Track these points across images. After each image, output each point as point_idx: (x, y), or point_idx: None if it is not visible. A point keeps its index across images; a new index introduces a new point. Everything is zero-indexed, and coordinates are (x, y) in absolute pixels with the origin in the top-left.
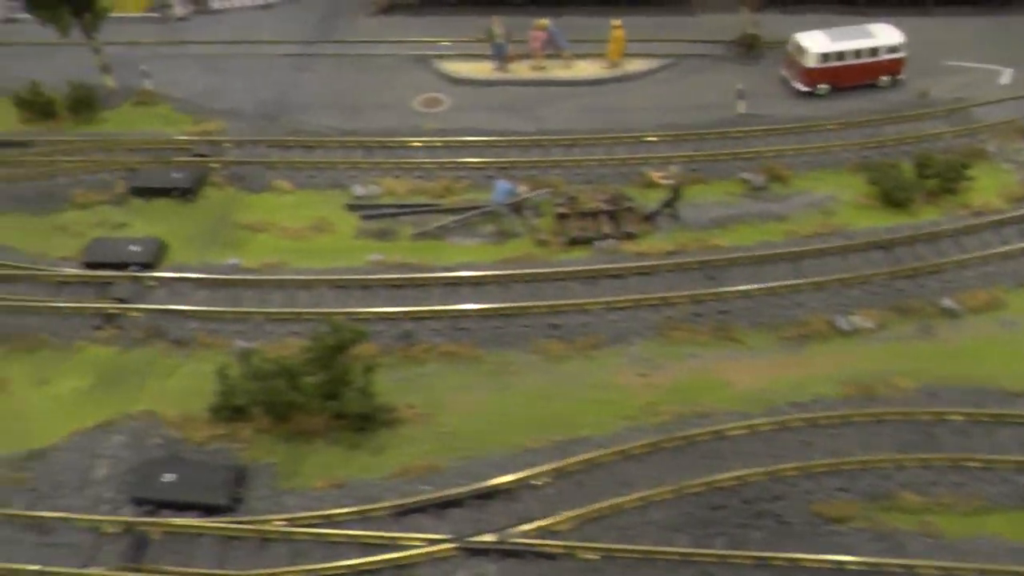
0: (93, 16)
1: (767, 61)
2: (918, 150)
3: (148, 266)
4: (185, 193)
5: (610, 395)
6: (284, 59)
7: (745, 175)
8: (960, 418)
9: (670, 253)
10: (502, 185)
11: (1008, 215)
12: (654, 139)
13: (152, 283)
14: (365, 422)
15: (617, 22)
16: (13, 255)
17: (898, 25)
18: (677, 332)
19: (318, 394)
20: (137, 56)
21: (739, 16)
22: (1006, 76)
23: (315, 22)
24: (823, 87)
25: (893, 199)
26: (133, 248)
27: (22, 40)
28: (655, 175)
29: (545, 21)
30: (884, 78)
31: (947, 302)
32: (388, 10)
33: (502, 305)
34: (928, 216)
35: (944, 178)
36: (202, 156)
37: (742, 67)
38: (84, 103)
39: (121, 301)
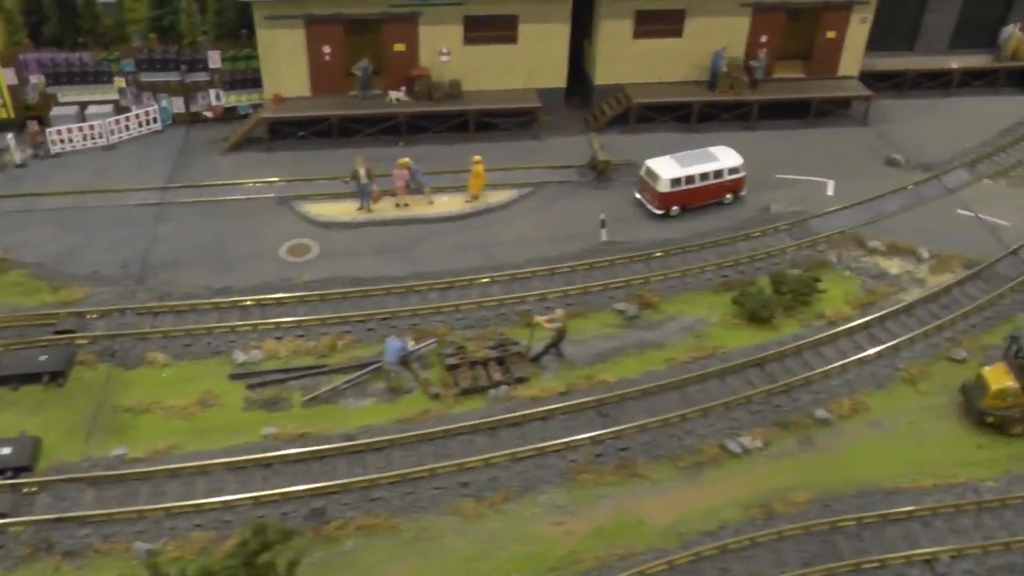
0: None
1: (617, 184)
2: (770, 265)
3: (25, 469)
4: (55, 377)
5: (532, 548)
6: (140, 209)
7: (618, 305)
8: (852, 523)
9: (563, 394)
10: (393, 344)
11: (857, 322)
12: (527, 275)
13: (32, 489)
14: None
15: (477, 157)
16: None
17: (728, 140)
18: (584, 475)
19: None
20: None
21: (585, 139)
22: (830, 188)
23: (165, 164)
24: (676, 209)
25: (757, 317)
26: (4, 451)
27: None
28: (542, 320)
29: (407, 160)
30: (728, 196)
31: (820, 412)
32: (239, 147)
33: (411, 470)
34: (789, 330)
35: (797, 292)
36: (67, 332)
37: (596, 191)
38: None
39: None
